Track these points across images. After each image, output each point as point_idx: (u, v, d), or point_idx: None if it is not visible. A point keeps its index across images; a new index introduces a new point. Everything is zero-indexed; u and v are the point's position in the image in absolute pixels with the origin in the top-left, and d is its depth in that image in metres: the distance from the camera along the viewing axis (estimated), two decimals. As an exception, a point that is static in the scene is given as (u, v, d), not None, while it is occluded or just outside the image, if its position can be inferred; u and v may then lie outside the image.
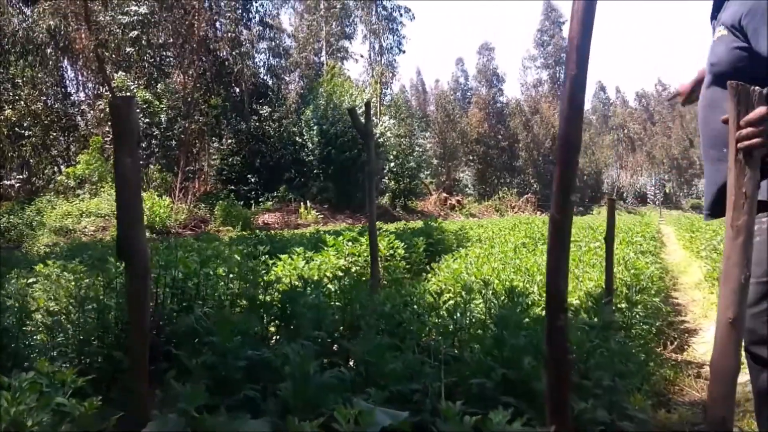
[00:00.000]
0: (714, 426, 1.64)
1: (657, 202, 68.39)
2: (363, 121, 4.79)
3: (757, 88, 1.67)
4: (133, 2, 27.67)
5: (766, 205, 2.11)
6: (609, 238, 4.00)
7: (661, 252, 12.61)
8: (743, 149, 1.62)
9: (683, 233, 15.67)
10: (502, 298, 3.51)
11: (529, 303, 3.65)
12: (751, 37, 2.10)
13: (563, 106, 1.76)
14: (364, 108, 4.95)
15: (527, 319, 2.80)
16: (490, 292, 3.92)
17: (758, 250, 2.07)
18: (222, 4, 32.83)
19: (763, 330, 2.14)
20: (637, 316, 4.08)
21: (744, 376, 3.97)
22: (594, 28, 1.76)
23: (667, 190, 76.07)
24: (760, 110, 1.65)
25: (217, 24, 33.37)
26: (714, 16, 2.40)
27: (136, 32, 28.06)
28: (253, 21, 37.22)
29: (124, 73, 28.43)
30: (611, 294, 3.95)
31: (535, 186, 57.36)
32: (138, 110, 25.33)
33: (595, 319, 2.86)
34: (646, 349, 4.06)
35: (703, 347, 5.21)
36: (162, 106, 28.02)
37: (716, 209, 2.35)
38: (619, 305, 3.99)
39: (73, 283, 3.76)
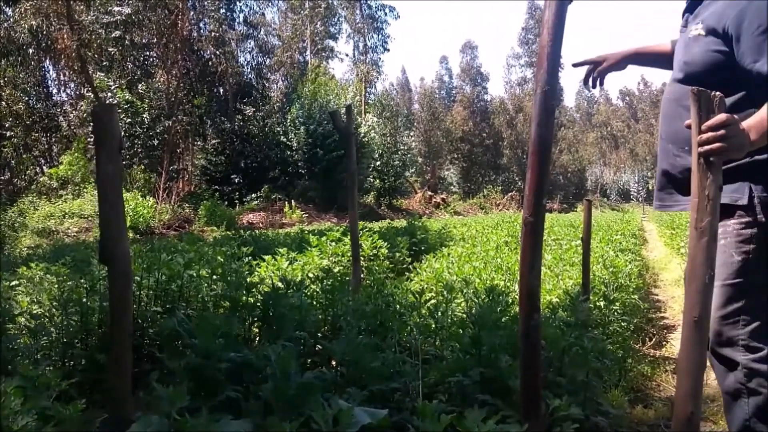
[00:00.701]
0: (681, 423, 1.68)
1: (640, 199, 68.90)
2: (344, 122, 4.83)
3: (718, 93, 1.70)
4: (116, 2, 27.42)
5: (729, 208, 2.14)
6: (585, 238, 4.07)
7: (643, 249, 12.76)
8: (703, 154, 1.66)
9: (665, 230, 15.84)
10: (483, 297, 3.56)
11: (509, 302, 3.71)
12: (736, 46, 2.09)
13: (536, 113, 1.81)
14: (345, 109, 4.99)
15: (505, 318, 2.85)
16: (471, 291, 3.98)
17: (723, 253, 2.11)
18: (206, 3, 32.64)
19: (730, 332, 2.17)
20: (615, 314, 4.15)
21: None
22: (565, 34, 1.82)
23: (650, 187, 76.59)
24: (720, 117, 1.68)
25: (201, 23, 33.21)
26: (690, 8, 2.35)
27: (119, 32, 27.82)
28: (238, 20, 37.09)
29: (103, 74, 28.19)
30: (588, 292, 4.02)
31: (519, 184, 57.56)
32: (120, 110, 25.35)
33: (572, 318, 2.93)
34: (623, 346, 4.14)
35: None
36: (144, 105, 27.82)
37: (667, 198, 2.44)
38: (596, 303, 4.06)
39: (56, 286, 3.76)
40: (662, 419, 3.44)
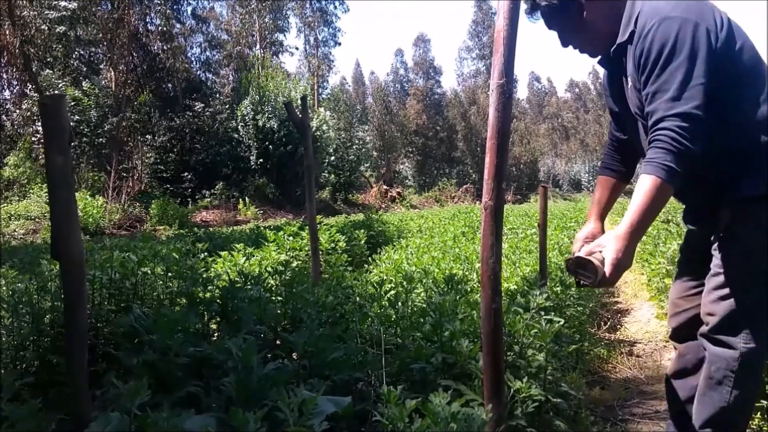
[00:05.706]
0: None
1: (591, 189, 70.26)
2: (300, 114, 4.79)
3: None
4: (59, -4, 26.56)
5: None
6: (542, 224, 4.13)
7: (595, 236, 12.98)
8: None
9: (615, 218, 16.17)
10: (442, 286, 3.58)
11: (468, 290, 3.74)
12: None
13: (493, 98, 1.82)
14: (300, 101, 4.94)
15: (464, 305, 2.87)
16: (431, 280, 4.00)
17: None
18: (152, -3, 31.92)
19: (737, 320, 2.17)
20: (571, 299, 4.22)
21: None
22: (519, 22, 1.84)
23: (601, 177, 78.05)
24: None
25: (148, 18, 32.48)
26: (620, 67, 2.29)
27: (63, 28, 26.98)
28: (185, 14, 36.40)
29: (51, 71, 27.34)
30: (545, 278, 4.09)
31: (473, 176, 58.11)
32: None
33: (530, 302, 2.96)
34: (580, 330, 4.23)
35: (634, 326, 5.44)
36: (90, 102, 27.05)
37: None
38: (553, 288, 4.13)
39: (4, 288, 3.63)
40: (620, 400, 3.52)
